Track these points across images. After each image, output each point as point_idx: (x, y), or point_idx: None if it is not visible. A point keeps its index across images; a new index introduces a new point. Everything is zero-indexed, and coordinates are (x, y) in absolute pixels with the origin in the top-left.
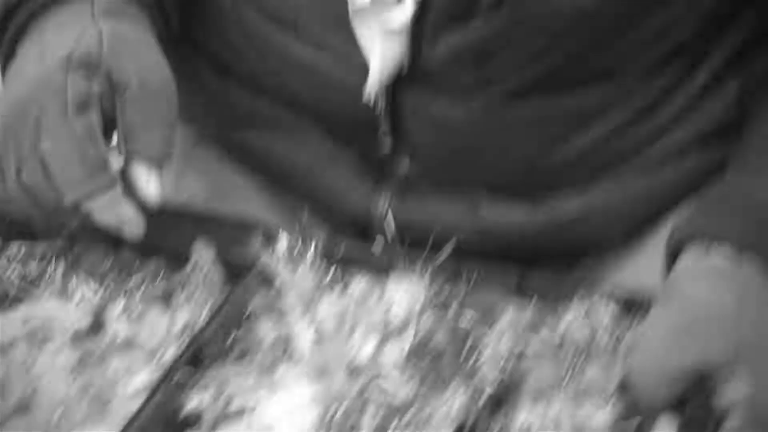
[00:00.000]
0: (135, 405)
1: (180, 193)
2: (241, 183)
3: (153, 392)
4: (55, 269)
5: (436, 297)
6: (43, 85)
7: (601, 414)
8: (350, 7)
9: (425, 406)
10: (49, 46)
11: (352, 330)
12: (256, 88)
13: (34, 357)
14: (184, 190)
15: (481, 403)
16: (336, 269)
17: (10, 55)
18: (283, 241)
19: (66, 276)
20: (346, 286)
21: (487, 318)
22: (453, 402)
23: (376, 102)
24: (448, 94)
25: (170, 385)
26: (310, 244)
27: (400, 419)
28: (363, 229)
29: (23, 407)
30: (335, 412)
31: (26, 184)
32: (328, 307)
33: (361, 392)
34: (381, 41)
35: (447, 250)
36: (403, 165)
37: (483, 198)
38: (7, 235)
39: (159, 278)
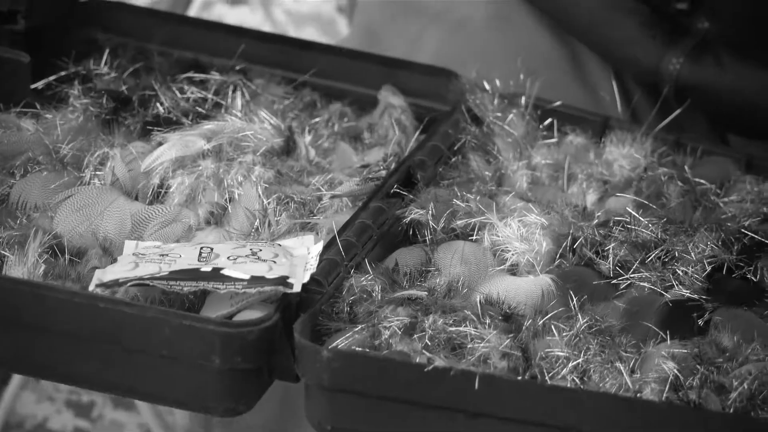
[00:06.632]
0: (341, 218)
1: None
2: None
3: (368, 200)
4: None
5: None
6: None
7: None
8: None
9: (672, 247)
10: None
11: (570, 179)
12: None
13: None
14: None
15: (735, 249)
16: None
17: None
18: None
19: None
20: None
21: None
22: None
23: None
24: None
25: (385, 197)
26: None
27: (645, 255)
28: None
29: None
30: (573, 241)
31: None
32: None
33: (602, 225)
34: None
35: None
36: (701, 25)
37: None
38: None
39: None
